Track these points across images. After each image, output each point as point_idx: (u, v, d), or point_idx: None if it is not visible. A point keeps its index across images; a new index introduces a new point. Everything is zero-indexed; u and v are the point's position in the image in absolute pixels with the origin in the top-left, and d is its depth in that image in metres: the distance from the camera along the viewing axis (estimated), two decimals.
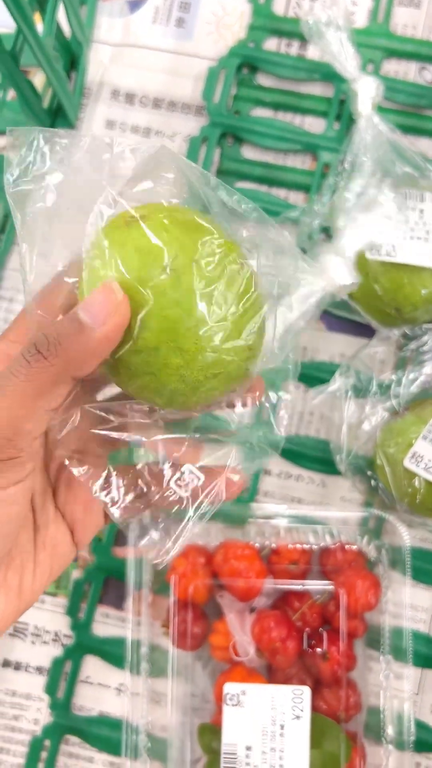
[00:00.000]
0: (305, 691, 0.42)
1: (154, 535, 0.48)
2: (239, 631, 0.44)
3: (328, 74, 0.52)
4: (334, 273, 0.37)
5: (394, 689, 0.45)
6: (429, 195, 0.44)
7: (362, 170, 0.45)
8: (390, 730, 0.44)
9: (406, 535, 0.45)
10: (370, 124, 0.46)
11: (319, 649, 0.44)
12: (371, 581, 0.44)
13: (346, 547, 0.45)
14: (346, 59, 0.47)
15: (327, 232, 0.49)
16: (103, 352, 0.26)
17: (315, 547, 0.46)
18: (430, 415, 0.43)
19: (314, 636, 0.44)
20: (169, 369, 0.26)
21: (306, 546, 0.46)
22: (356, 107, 0.46)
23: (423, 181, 0.46)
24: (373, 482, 0.46)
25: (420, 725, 0.46)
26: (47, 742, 0.48)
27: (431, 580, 0.48)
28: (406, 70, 0.53)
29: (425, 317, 0.45)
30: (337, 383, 0.46)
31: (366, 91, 0.45)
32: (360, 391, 0.47)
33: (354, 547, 0.45)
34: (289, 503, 0.50)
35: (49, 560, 0.31)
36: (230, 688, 0.42)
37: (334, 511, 0.49)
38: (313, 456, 0.49)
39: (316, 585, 0.46)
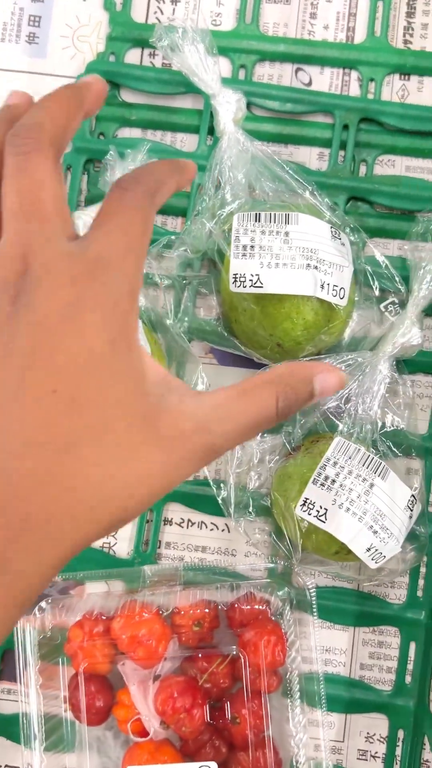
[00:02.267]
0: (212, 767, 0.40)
1: (44, 604, 0.45)
2: (142, 703, 0.42)
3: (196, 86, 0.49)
4: None
5: (312, 739, 0.44)
6: (295, 216, 0.41)
7: (227, 192, 0.42)
8: None
9: (311, 583, 0.44)
10: (234, 142, 0.43)
11: (225, 716, 0.42)
12: (276, 637, 0.42)
13: (252, 600, 0.43)
14: (205, 72, 0.44)
15: (203, 258, 0.46)
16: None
17: (220, 602, 0.44)
18: (321, 455, 0.41)
19: (223, 699, 0.43)
20: None
21: (210, 603, 0.44)
22: (218, 125, 0.44)
23: (294, 198, 0.44)
24: (263, 533, 0.44)
25: None
26: None
27: (347, 620, 0.46)
28: (281, 73, 0.50)
29: (311, 350, 0.42)
30: None
31: (226, 107, 0.42)
32: None
33: (259, 599, 0.44)
34: (192, 553, 0.48)
35: None
36: None
37: (240, 557, 0.47)
38: (214, 500, 0.47)
39: (222, 644, 0.44)
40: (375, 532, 0.40)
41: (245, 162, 0.43)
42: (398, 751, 0.45)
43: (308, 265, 0.39)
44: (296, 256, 0.39)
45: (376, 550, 0.41)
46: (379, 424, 0.43)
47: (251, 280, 0.39)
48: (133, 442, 0.25)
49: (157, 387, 0.26)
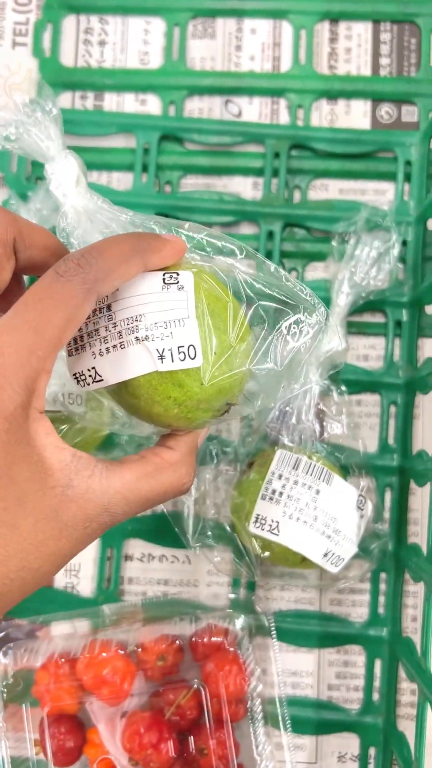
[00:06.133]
0: None
1: (6, 650, 0.47)
2: (110, 741, 0.44)
3: (128, 125, 0.51)
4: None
5: (281, 763, 0.46)
6: None
7: None
8: None
9: (271, 609, 0.46)
10: (77, 210, 0.36)
11: (194, 747, 0.44)
12: (236, 666, 0.44)
13: (211, 632, 0.46)
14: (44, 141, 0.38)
15: None
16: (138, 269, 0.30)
17: (181, 636, 0.46)
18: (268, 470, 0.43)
19: (190, 731, 0.44)
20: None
21: (172, 637, 0.46)
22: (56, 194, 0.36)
23: None
24: (224, 556, 0.46)
25: None
26: None
27: (311, 642, 0.48)
28: (211, 106, 0.53)
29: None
30: None
31: (64, 172, 0.36)
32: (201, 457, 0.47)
33: (219, 630, 0.46)
34: (155, 586, 0.50)
35: None
36: None
37: (202, 587, 0.49)
38: (174, 533, 0.49)
39: (189, 675, 0.46)
40: (328, 537, 0.43)
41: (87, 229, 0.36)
42: None
43: (137, 339, 0.32)
44: (122, 332, 0.33)
45: (333, 553, 0.43)
46: (318, 431, 0.45)
47: (91, 376, 0.33)
48: (39, 538, 0.27)
49: (62, 475, 0.27)
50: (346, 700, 0.48)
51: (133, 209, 0.43)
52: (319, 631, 0.48)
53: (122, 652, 0.45)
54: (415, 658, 0.42)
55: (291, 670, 0.48)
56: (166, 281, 0.32)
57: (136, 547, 0.50)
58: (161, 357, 0.31)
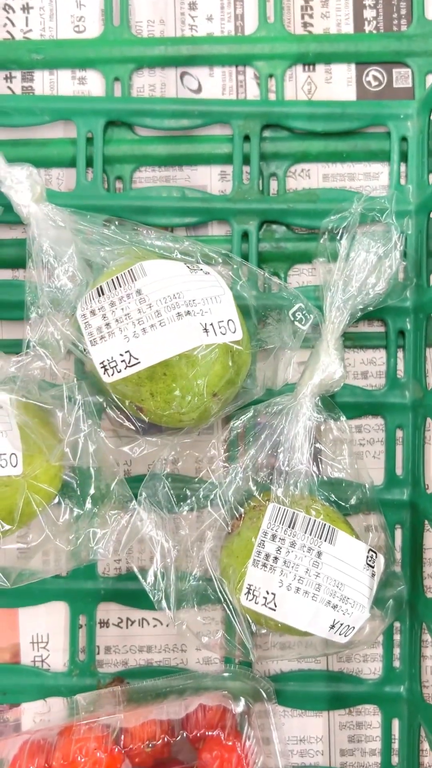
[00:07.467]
0: None
1: None
2: None
3: (65, 110, 0.43)
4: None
5: None
6: (140, 268, 0.36)
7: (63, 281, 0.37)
8: None
9: (268, 685, 0.40)
10: (45, 224, 0.37)
11: None
12: (237, 757, 0.38)
13: (205, 715, 0.40)
14: None
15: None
16: None
17: (173, 719, 0.40)
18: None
19: None
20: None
21: (160, 720, 0.40)
22: (20, 213, 0.38)
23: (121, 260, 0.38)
24: (213, 629, 0.40)
25: None
26: None
27: (319, 705, 0.43)
28: (164, 81, 0.44)
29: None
30: (141, 513, 0.39)
31: (18, 189, 0.37)
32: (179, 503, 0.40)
33: (213, 714, 0.40)
34: (137, 654, 0.43)
35: None
36: None
37: (191, 651, 0.43)
38: None
39: (182, 754, 0.40)
40: (335, 607, 0.37)
41: (68, 240, 0.37)
42: None
43: (179, 315, 0.35)
44: (161, 310, 0.34)
45: (341, 624, 0.37)
46: (315, 473, 0.39)
47: (124, 361, 0.34)
48: None
49: None
50: (361, 766, 0.43)
51: (78, 213, 0.38)
52: (328, 692, 0.43)
53: (103, 741, 0.40)
54: None
55: (298, 737, 0.43)
56: (190, 268, 0.35)
57: (111, 611, 0.43)
58: (206, 330, 0.33)
